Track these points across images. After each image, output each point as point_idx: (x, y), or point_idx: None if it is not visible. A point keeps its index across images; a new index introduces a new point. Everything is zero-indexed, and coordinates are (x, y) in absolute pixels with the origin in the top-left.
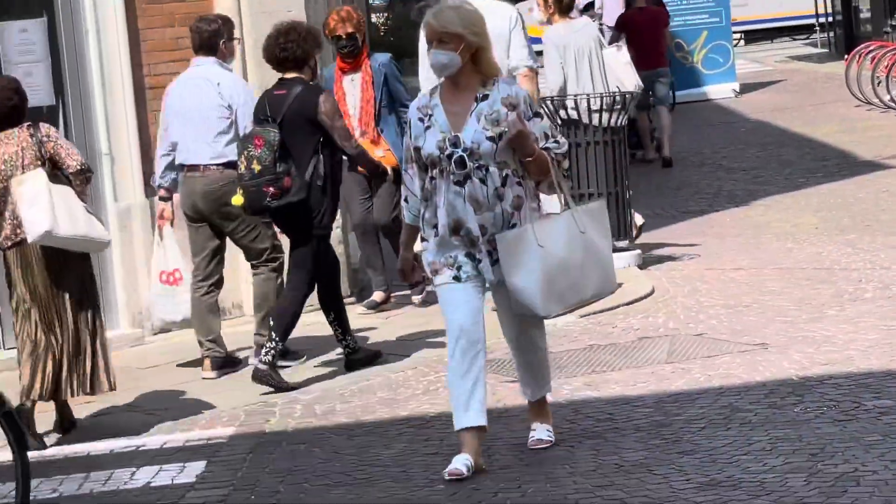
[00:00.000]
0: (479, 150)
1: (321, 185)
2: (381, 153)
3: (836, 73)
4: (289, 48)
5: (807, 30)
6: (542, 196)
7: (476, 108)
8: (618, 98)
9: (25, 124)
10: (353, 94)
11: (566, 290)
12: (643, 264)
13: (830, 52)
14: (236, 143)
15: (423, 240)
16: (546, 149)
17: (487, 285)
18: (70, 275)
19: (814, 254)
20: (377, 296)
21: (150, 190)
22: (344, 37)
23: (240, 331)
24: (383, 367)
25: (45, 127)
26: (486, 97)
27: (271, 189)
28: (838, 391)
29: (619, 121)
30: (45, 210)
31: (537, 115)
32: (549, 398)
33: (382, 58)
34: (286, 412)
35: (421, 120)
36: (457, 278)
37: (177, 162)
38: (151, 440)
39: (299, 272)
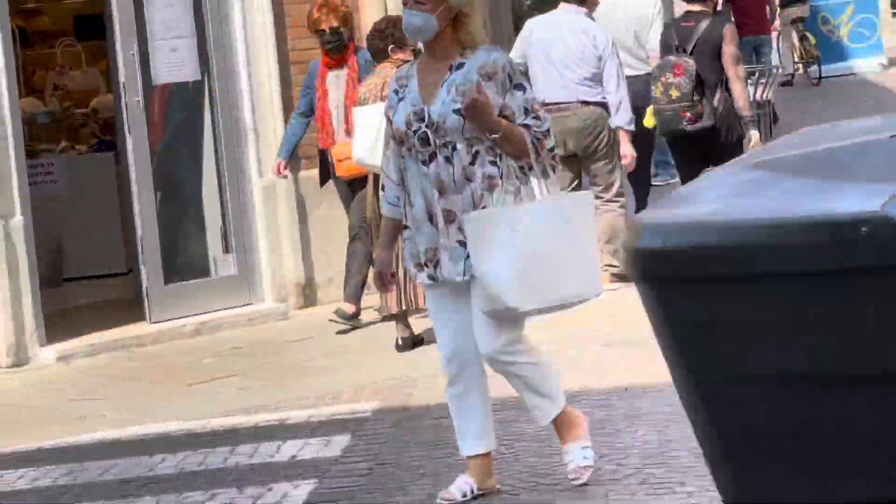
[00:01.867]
0: (444, 126)
1: (725, 109)
2: None
3: None
4: None
5: None
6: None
7: (449, 78)
8: (763, 71)
9: (397, 63)
10: (336, 92)
11: (543, 285)
12: None
13: None
14: (653, 68)
15: (405, 228)
16: (526, 126)
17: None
18: None
19: None
20: (347, 306)
21: (294, 165)
22: (327, 31)
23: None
24: None
25: None
26: (461, 66)
27: (688, 115)
28: None
29: (764, 94)
30: (362, 140)
31: (519, 86)
32: (576, 412)
33: (369, 54)
34: (429, 385)
35: (396, 91)
36: (432, 277)
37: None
38: (296, 414)
39: None
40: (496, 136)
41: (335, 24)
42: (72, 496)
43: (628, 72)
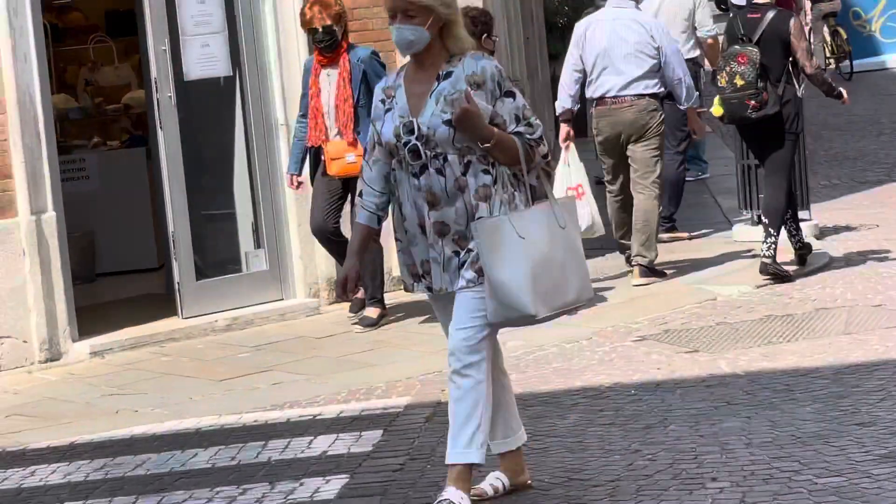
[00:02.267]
0: (434, 137)
1: (790, 98)
2: (353, 158)
3: None
4: None
5: None
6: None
7: (437, 87)
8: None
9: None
10: (328, 90)
11: (550, 290)
12: (820, 235)
13: None
14: (719, 59)
15: (396, 240)
16: (518, 133)
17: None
18: None
19: None
20: (371, 311)
21: None
22: (321, 29)
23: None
24: (558, 336)
25: None
26: (448, 75)
27: (752, 102)
28: None
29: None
30: None
31: (509, 94)
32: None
33: (363, 52)
34: None
35: (383, 101)
36: (429, 288)
37: (596, 94)
38: (328, 409)
39: (778, 172)
40: (487, 145)
41: (328, 22)
42: (104, 491)
43: None
